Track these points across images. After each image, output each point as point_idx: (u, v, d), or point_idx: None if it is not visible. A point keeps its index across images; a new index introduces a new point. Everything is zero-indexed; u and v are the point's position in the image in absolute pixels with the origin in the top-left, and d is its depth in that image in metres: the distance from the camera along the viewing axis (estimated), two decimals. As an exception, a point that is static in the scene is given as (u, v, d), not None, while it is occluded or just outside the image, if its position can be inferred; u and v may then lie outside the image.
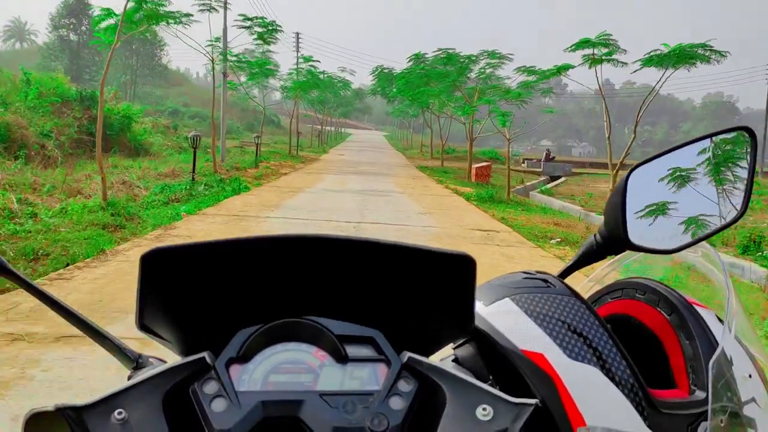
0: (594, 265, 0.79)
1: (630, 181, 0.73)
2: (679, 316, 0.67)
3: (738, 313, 0.62)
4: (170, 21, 11.64)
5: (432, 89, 20.69)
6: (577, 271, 0.79)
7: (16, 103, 15.50)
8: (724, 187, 0.75)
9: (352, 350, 0.57)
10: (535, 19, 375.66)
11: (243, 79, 21.37)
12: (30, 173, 10.92)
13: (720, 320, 0.68)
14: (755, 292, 6.43)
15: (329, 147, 40.33)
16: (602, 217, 0.76)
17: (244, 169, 16.26)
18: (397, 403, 0.53)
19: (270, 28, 16.83)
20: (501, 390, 0.53)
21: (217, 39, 17.27)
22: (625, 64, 10.05)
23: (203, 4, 14.50)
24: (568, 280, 0.70)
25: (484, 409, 0.50)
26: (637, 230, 0.72)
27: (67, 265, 5.30)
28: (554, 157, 33.96)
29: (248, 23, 16.41)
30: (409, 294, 0.57)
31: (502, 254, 7.14)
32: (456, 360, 0.67)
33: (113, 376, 2.77)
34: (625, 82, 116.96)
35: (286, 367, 0.55)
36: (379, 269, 0.57)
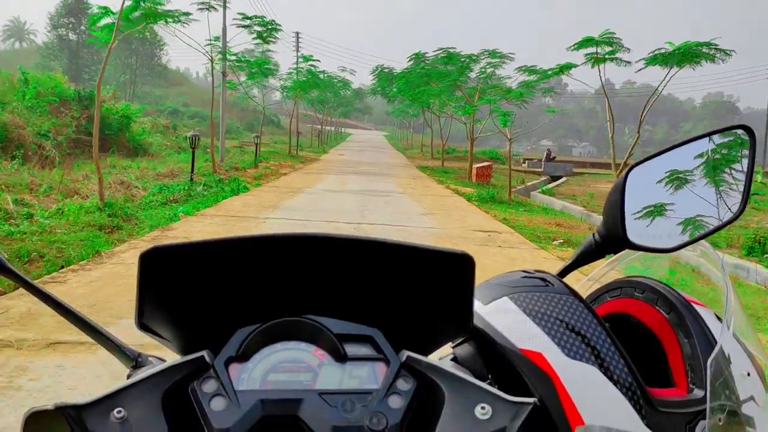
0: (593, 264, 0.79)
1: (628, 180, 0.72)
2: (678, 315, 0.67)
3: (736, 311, 0.62)
4: (169, 20, 11.54)
5: (432, 89, 20.56)
6: (576, 270, 0.79)
7: (14, 103, 15.41)
8: (723, 185, 0.75)
9: (351, 349, 0.57)
10: (535, 19, 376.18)
11: (243, 78, 21.29)
12: (27, 173, 10.82)
13: (719, 319, 0.67)
14: (762, 295, 6.33)
15: (329, 147, 40.23)
16: None
17: (243, 170, 16.16)
18: (395, 402, 0.53)
19: (269, 27, 16.71)
20: (499, 389, 0.53)
21: (217, 38, 17.17)
22: (629, 63, 9.95)
23: (202, 3, 14.40)
24: (566, 279, 0.70)
25: (482, 408, 0.50)
26: (635, 229, 0.72)
27: (62, 267, 5.20)
28: (555, 157, 33.86)
29: (247, 22, 16.29)
30: (408, 293, 0.57)
31: (505, 256, 7.04)
32: (455, 359, 0.68)
33: (105, 385, 2.66)
34: (626, 81, 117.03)
35: (285, 366, 0.55)
36: (377, 268, 0.56)
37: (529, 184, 21.14)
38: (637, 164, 0.75)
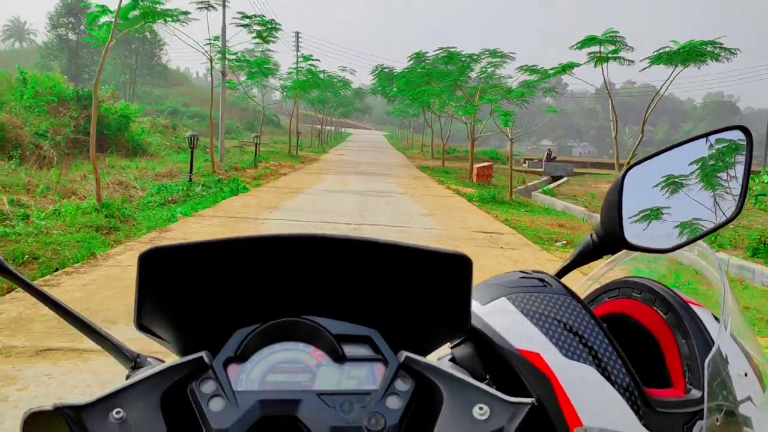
0: (592, 264, 0.79)
1: (626, 181, 0.72)
2: (675, 315, 0.67)
3: (734, 311, 0.62)
4: (167, 19, 11.44)
5: (433, 88, 20.44)
6: (574, 270, 0.78)
7: (11, 103, 15.30)
8: (720, 186, 0.75)
9: (349, 350, 0.57)
10: (535, 19, 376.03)
11: (242, 78, 21.19)
12: (24, 174, 10.73)
13: (716, 319, 0.67)
14: (768, 297, 6.22)
15: (329, 147, 40.11)
16: None
17: (242, 170, 16.06)
18: (394, 403, 0.53)
19: (269, 26, 16.60)
20: (498, 389, 0.53)
21: (216, 38, 17.06)
22: (632, 62, 9.83)
23: (201, 2, 14.28)
24: (565, 279, 0.71)
25: (480, 408, 0.50)
26: (633, 229, 0.72)
27: (56, 270, 5.09)
28: (555, 157, 33.75)
29: (247, 21, 16.18)
30: (406, 293, 0.57)
31: (507, 258, 6.94)
32: (453, 359, 0.68)
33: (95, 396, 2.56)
34: (626, 81, 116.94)
35: (283, 367, 0.55)
36: (376, 269, 0.57)
37: (530, 184, 21.04)
38: (635, 164, 0.75)
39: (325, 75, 29.68)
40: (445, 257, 0.55)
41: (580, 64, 10.60)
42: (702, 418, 0.58)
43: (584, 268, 0.80)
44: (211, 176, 13.11)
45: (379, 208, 10.56)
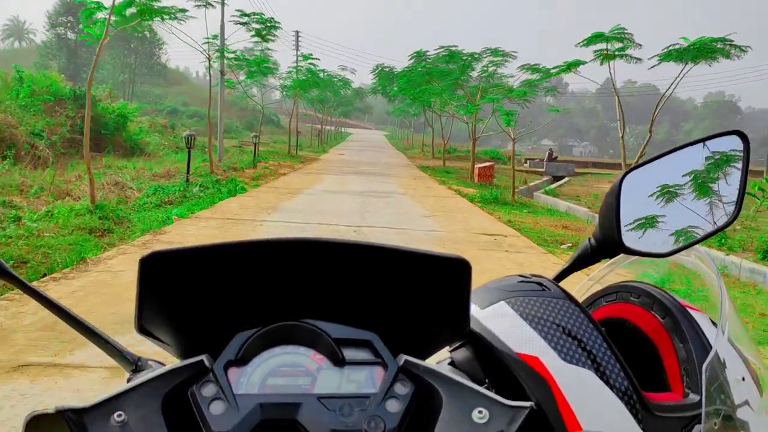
0: (591, 267, 0.78)
1: (624, 185, 0.72)
2: (673, 320, 0.67)
3: (731, 315, 0.62)
4: (165, 17, 11.23)
5: (434, 87, 20.23)
6: (574, 273, 0.78)
7: (7, 102, 15.09)
8: (717, 191, 0.75)
9: (349, 353, 0.56)
10: (535, 19, 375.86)
11: (242, 77, 20.99)
12: (18, 174, 10.52)
13: (714, 323, 0.67)
14: (781, 302, 6.03)
15: (329, 147, 39.90)
16: None
17: (241, 170, 15.87)
18: (393, 406, 0.53)
19: (268, 24, 16.38)
20: (497, 393, 0.53)
21: (215, 36, 16.85)
22: (639, 60, 9.60)
23: (199, 0, 14.06)
24: (567, 280, 0.72)
25: (479, 412, 0.50)
26: (631, 234, 0.72)
27: (44, 275, 4.89)
28: (557, 157, 33.54)
29: (245, 19, 15.96)
30: (405, 297, 0.57)
31: (512, 261, 6.75)
32: (452, 363, 0.68)
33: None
34: (626, 81, 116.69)
35: (283, 370, 0.55)
36: (375, 273, 0.57)
37: (531, 184, 20.87)
38: (633, 169, 0.75)
39: (325, 74, 29.49)
40: (444, 261, 0.55)
41: (587, 62, 10.38)
42: (700, 422, 0.58)
43: (584, 270, 0.79)
44: (208, 176, 12.92)
45: (380, 209, 10.37)
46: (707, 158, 0.76)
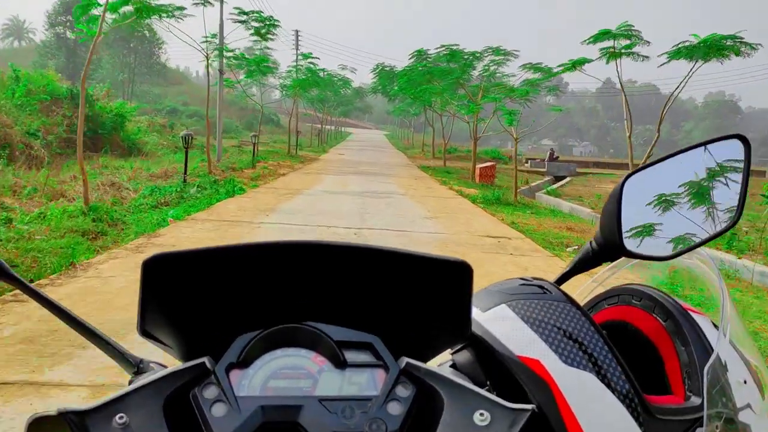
0: (593, 270, 0.77)
1: (625, 189, 0.72)
2: (675, 323, 0.67)
3: (733, 318, 0.62)
4: (162, 15, 11.03)
5: (434, 87, 20.03)
6: (576, 276, 0.77)
7: (2, 101, 14.87)
8: (719, 194, 0.74)
9: (350, 356, 0.56)
10: (535, 19, 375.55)
11: (241, 77, 20.79)
12: (11, 174, 10.31)
13: (715, 326, 0.67)
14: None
15: (329, 146, 39.69)
16: None
17: (240, 170, 15.66)
18: (395, 409, 0.53)
19: (267, 23, 16.18)
20: (498, 396, 0.53)
21: (213, 35, 16.64)
22: (647, 58, 9.39)
23: (197, -2, 13.85)
24: (569, 283, 0.73)
25: (481, 415, 0.50)
26: (632, 237, 0.72)
27: (31, 281, 4.69)
28: (558, 157, 33.35)
29: (244, 17, 15.74)
30: (406, 300, 0.57)
31: (517, 265, 6.55)
32: (454, 365, 0.67)
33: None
34: (627, 80, 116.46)
35: (285, 373, 0.55)
36: (377, 275, 0.56)
37: (533, 184, 20.69)
38: (634, 172, 0.75)
39: (325, 73, 29.31)
40: (445, 264, 0.55)
41: (593, 60, 10.17)
42: (702, 425, 0.57)
43: (584, 273, 0.78)
44: (206, 177, 12.71)
45: (380, 210, 10.17)
46: (708, 162, 0.76)
